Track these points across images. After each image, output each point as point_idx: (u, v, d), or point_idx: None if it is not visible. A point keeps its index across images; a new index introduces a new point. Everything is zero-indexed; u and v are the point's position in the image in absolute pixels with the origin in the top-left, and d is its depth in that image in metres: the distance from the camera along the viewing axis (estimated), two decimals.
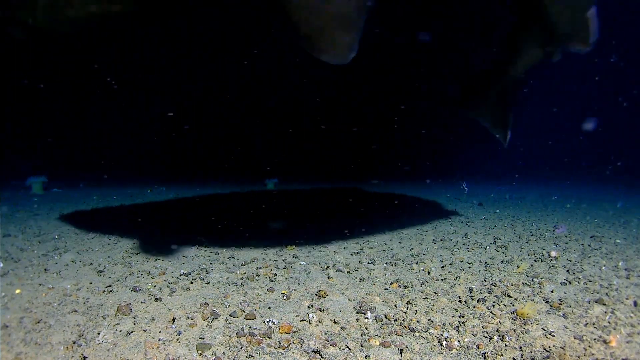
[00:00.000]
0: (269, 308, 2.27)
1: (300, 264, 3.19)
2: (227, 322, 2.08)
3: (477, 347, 1.83)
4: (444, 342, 1.87)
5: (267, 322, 2.06)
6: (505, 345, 1.84)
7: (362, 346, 1.84)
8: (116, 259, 3.27)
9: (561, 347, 1.82)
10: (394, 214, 6.22)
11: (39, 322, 2.03)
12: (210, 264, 3.17)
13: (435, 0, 5.47)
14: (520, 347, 1.82)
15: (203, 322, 2.07)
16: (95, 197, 7.99)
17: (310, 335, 1.94)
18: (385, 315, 2.16)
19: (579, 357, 1.75)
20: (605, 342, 1.88)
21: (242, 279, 2.79)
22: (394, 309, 2.27)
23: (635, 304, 2.36)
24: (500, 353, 1.78)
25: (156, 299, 2.36)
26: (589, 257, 3.52)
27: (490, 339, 1.91)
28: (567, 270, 3.07)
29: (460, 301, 2.38)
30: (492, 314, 2.19)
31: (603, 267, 3.19)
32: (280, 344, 1.84)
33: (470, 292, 2.52)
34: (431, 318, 2.13)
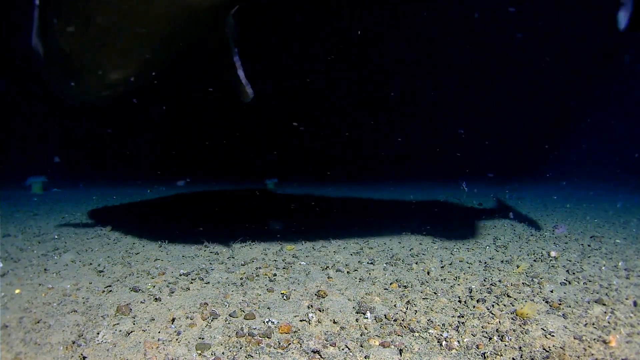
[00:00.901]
0: (268, 308, 2.27)
1: (300, 264, 3.19)
2: (227, 322, 2.08)
3: (477, 347, 1.83)
4: (444, 342, 1.87)
5: (267, 322, 2.06)
6: (505, 346, 1.84)
7: (361, 346, 1.84)
8: (116, 259, 3.27)
9: (561, 347, 1.82)
10: (394, 214, 6.22)
11: (38, 322, 2.03)
12: (210, 264, 3.17)
13: None
14: (520, 347, 1.82)
15: (202, 322, 2.07)
16: (95, 197, 7.99)
17: (310, 335, 1.94)
18: (384, 315, 2.16)
19: (578, 357, 1.75)
20: (604, 342, 1.88)
21: (241, 279, 2.79)
22: (394, 309, 2.27)
23: (635, 304, 2.36)
24: (499, 353, 1.78)
25: (156, 299, 2.36)
26: (589, 257, 3.52)
27: (490, 339, 1.91)
28: (567, 270, 3.06)
29: (459, 301, 2.38)
30: (492, 314, 2.19)
31: (603, 267, 3.18)
32: (279, 344, 1.84)
33: (470, 292, 2.52)
34: (431, 318, 2.13)
